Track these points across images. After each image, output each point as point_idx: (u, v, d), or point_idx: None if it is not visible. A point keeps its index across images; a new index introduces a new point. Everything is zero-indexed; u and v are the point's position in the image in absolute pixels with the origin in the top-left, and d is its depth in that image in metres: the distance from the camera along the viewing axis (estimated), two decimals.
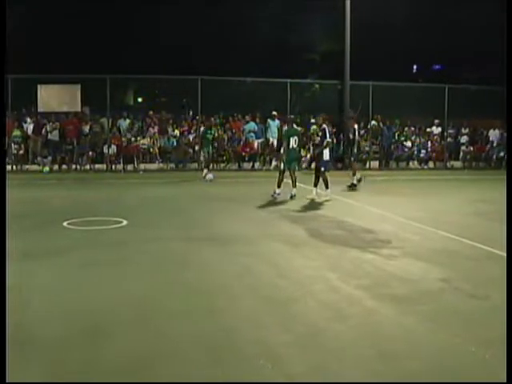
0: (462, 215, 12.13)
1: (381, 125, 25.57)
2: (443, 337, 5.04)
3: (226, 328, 5.25)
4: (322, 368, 4.43)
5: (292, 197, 14.18)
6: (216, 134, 21.47)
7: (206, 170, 19.21)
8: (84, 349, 4.77)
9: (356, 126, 17.45)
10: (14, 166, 22.66)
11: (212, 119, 23.46)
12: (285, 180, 14.48)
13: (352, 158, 17.15)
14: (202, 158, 20.99)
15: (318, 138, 14.80)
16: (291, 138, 14.71)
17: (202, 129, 21.16)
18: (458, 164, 26.48)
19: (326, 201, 13.87)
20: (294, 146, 14.69)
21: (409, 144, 26.35)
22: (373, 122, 25.46)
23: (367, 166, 25.20)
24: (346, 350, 4.76)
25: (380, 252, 8.34)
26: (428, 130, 27.14)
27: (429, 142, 26.60)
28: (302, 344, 4.88)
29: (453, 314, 5.70)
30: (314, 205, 13.42)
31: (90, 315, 5.59)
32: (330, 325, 5.32)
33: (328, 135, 14.68)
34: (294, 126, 15.50)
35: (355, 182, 16.43)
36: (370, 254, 8.24)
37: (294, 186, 14.39)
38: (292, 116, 16.59)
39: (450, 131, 26.77)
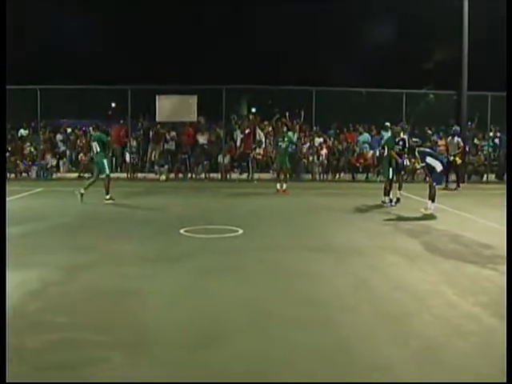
0: None
1: (498, 135, 24.86)
2: None
3: (341, 339, 5.26)
4: None
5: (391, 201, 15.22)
6: (293, 143, 20.88)
7: (284, 185, 18.33)
8: (202, 352, 4.91)
9: (405, 137, 16.02)
10: (130, 174, 23.63)
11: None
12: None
13: (402, 172, 16.20)
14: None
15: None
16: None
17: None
18: None
19: (436, 214, 13.48)
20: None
21: None
22: (490, 134, 24.79)
23: (484, 178, 24.53)
24: (468, 368, 4.64)
25: (499, 268, 8.04)
26: None
27: None
28: (419, 359, 4.80)
29: None
30: (426, 217, 13.15)
31: (206, 320, 5.75)
32: (449, 341, 5.22)
33: (407, 145, 14.98)
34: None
35: (398, 196, 15.70)
36: (489, 270, 8.00)
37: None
38: (387, 124, 16.47)
39: None
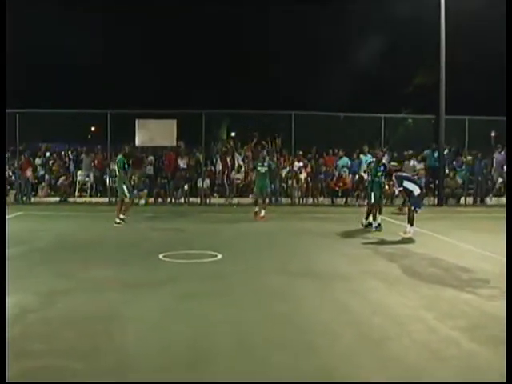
0: None
1: (469, 158, 25.17)
2: None
3: (323, 365, 5.27)
4: None
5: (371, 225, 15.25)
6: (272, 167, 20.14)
7: (262, 212, 17.64)
8: (184, 374, 4.94)
9: (385, 160, 15.71)
10: (109, 199, 23.34)
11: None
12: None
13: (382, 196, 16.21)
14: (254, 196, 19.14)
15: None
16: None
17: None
18: None
19: (415, 238, 13.51)
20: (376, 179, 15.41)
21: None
22: (469, 158, 25.03)
23: (461, 201, 24.69)
24: None
25: (478, 292, 8.14)
26: None
27: None
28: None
29: None
30: (405, 241, 13.23)
31: (188, 343, 5.76)
32: (429, 365, 5.25)
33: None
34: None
35: (380, 221, 15.40)
36: (468, 293, 8.06)
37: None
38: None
39: None
